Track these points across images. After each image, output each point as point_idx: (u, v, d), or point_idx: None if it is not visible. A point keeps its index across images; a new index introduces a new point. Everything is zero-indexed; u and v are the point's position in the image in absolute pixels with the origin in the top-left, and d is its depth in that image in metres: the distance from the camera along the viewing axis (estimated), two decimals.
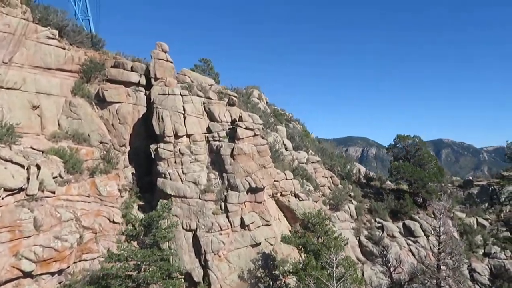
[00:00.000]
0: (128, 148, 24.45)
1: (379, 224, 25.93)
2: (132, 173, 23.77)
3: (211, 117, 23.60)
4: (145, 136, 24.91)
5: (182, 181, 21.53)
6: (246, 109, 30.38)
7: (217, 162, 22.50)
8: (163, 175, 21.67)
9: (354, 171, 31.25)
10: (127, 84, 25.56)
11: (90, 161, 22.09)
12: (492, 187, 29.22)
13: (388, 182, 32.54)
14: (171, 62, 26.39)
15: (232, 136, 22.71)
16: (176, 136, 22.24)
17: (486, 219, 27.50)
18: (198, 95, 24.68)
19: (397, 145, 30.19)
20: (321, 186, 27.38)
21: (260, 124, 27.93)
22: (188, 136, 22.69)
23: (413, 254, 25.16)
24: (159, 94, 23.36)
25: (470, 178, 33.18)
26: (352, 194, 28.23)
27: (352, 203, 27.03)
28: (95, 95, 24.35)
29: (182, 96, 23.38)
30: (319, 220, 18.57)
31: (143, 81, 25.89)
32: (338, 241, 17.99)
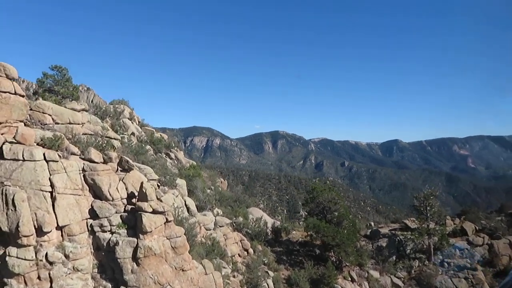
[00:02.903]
0: None
1: None
2: None
3: (97, 192, 15.68)
4: None
5: None
6: (129, 152, 22.62)
7: (109, 267, 14.92)
8: None
9: (262, 226, 26.66)
10: None
11: None
12: (398, 238, 28.65)
13: (294, 232, 29.21)
14: (23, 96, 17.09)
15: (133, 224, 15.37)
16: (40, 232, 13.76)
17: (399, 278, 26.58)
18: (73, 153, 16.29)
19: (314, 200, 26.75)
20: (232, 256, 22.01)
21: (155, 180, 20.95)
22: (61, 228, 14.44)
23: None
24: (5, 159, 14.30)
25: (375, 227, 32.40)
26: (265, 260, 23.65)
27: (269, 275, 22.42)
28: None
29: (47, 161, 14.79)
30: None
31: None
32: None
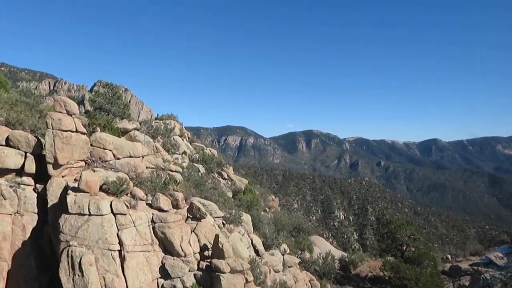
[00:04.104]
0: None
1: None
2: None
3: (167, 247, 13.83)
4: (37, 273, 14.01)
5: None
6: (191, 186, 20.78)
7: None
8: None
9: (330, 262, 24.27)
10: None
11: None
12: (483, 277, 25.54)
13: (362, 265, 26.67)
14: (84, 134, 15.53)
15: (208, 285, 13.43)
16: None
17: None
18: (140, 199, 14.56)
19: (391, 236, 24.07)
20: None
21: (220, 217, 19.03)
22: None
23: None
24: (70, 213, 12.66)
25: (453, 260, 29.36)
26: None
27: None
28: None
29: (115, 214, 13.06)
30: None
31: (30, 166, 14.58)
32: None
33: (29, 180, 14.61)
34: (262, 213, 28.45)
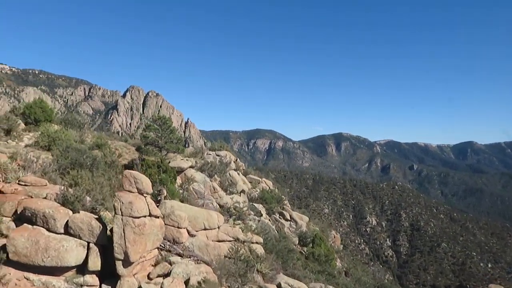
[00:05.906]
0: None
1: None
2: None
3: None
4: None
5: None
6: (274, 259, 17.32)
7: None
8: None
9: None
10: (52, 271, 11.04)
11: None
12: None
13: None
14: (158, 217, 12.32)
15: None
16: None
17: None
18: None
19: None
20: None
21: None
22: None
23: None
24: None
25: None
26: None
27: None
28: None
29: None
30: None
31: (95, 261, 11.43)
32: None
33: (94, 280, 11.54)
34: (337, 264, 24.95)
